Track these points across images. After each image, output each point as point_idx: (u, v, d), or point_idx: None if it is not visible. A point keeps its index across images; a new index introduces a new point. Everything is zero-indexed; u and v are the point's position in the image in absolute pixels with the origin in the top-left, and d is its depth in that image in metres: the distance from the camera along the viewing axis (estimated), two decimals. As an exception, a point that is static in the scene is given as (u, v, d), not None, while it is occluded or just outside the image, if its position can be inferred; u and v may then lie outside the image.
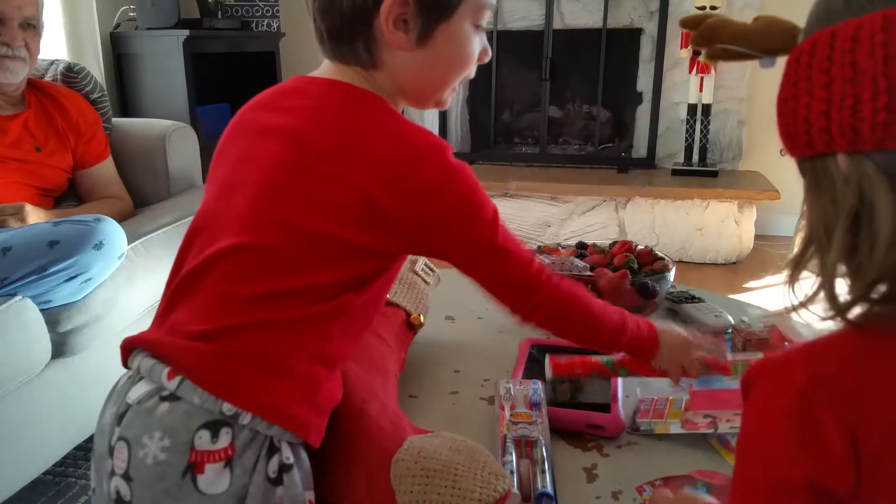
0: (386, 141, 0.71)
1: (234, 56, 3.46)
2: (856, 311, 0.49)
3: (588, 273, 1.16)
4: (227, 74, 3.46)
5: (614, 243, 1.29)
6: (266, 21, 3.64)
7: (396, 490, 0.69)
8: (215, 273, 0.69)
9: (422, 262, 1.14)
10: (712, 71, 3.18)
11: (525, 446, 0.81)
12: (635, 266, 1.20)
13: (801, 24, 0.57)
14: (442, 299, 1.30)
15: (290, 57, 3.81)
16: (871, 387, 0.46)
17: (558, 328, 0.81)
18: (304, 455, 0.69)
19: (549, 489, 0.75)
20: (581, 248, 1.30)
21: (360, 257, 0.70)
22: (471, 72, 0.80)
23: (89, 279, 1.42)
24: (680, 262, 3.06)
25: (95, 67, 2.80)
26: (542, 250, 1.28)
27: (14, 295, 1.35)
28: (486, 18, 0.78)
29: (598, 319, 0.81)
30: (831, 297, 0.49)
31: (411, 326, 1.06)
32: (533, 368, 1.01)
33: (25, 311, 1.35)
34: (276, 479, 0.65)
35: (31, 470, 1.43)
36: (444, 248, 0.74)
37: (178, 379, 0.64)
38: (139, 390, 0.66)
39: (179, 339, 0.66)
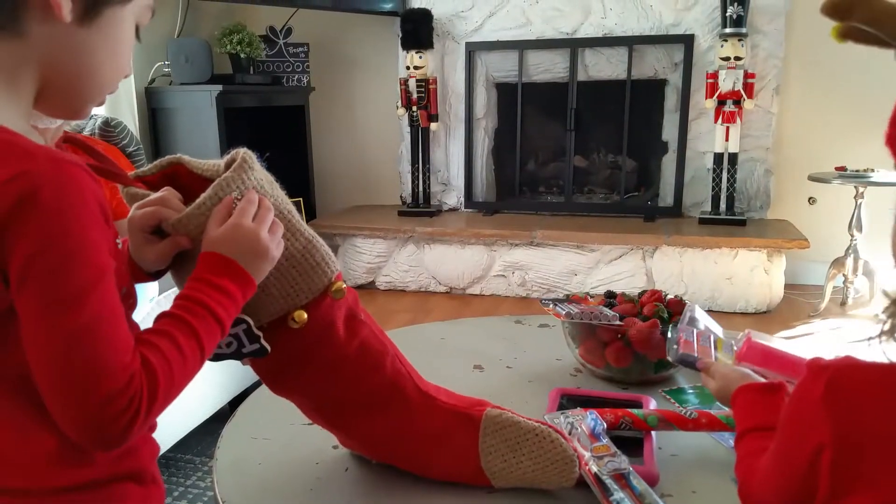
0: None
1: (265, 110, 3.55)
2: None
3: (618, 322, 1.15)
4: (259, 128, 3.55)
5: (644, 292, 1.28)
6: (296, 76, 3.75)
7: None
8: None
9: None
10: (738, 120, 3.19)
11: (619, 480, 0.80)
12: (665, 316, 1.19)
13: None
14: (470, 348, 1.30)
15: (319, 110, 3.91)
16: (873, 418, 0.49)
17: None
18: None
19: None
20: (610, 298, 1.29)
21: None
22: (116, 85, 0.67)
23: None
24: (709, 311, 3.02)
25: (131, 121, 2.90)
26: (570, 299, 1.27)
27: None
28: (145, 23, 0.67)
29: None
30: None
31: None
32: (563, 419, 0.99)
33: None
34: None
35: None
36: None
37: None
38: None
39: None
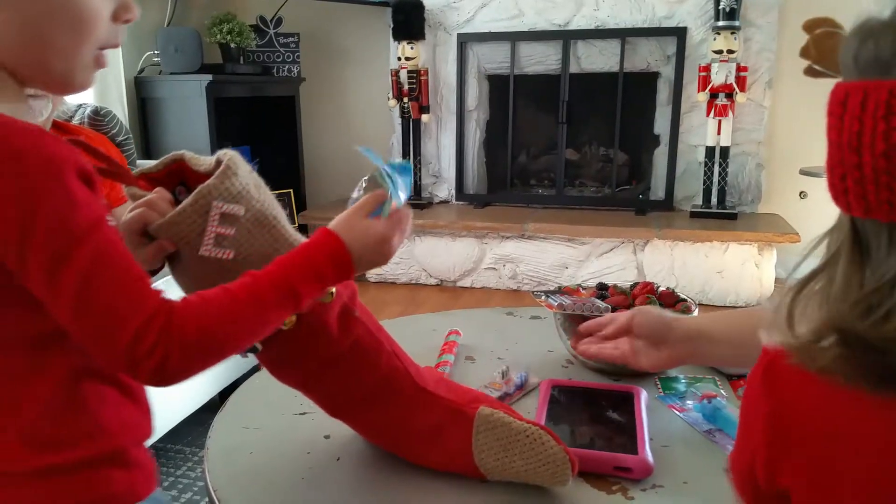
0: None
1: (256, 100, 3.53)
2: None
3: (610, 314, 1.15)
4: (249, 118, 3.53)
5: (635, 284, 1.28)
6: (287, 67, 3.72)
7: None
8: None
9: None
10: (730, 114, 3.19)
11: None
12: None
13: None
14: (461, 340, 1.29)
15: (310, 101, 3.89)
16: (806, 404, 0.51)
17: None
18: None
19: None
20: (602, 289, 1.29)
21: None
22: (105, 36, 0.62)
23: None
24: (700, 304, 3.04)
25: (120, 111, 2.87)
26: (562, 291, 1.27)
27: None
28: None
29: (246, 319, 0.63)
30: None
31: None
32: (555, 410, 0.99)
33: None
34: None
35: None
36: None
37: None
38: None
39: None
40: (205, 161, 0.74)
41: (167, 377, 0.58)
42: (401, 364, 0.85)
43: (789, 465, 0.51)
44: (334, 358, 0.79)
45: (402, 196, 0.75)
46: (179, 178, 0.75)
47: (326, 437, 0.95)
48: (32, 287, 0.55)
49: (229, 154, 0.71)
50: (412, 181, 0.79)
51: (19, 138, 0.54)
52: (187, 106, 3.05)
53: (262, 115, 3.62)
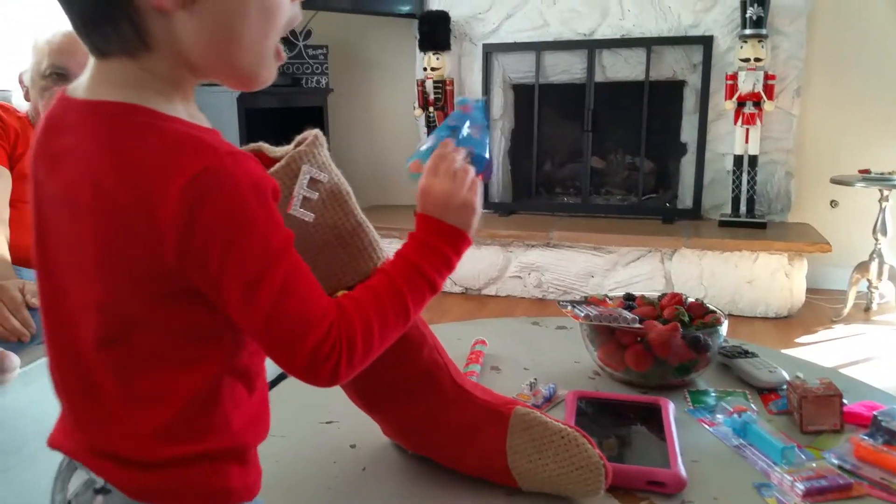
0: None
1: (285, 111, 3.57)
2: None
3: (637, 325, 1.14)
4: (279, 128, 3.56)
5: (663, 295, 1.27)
6: (315, 78, 3.76)
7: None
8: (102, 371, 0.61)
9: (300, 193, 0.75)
10: (758, 122, 3.15)
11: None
12: (686, 319, 1.17)
13: None
14: (487, 349, 1.29)
15: (338, 111, 3.93)
16: None
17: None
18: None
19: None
20: (629, 300, 1.28)
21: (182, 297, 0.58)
22: (287, 19, 0.63)
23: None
24: (729, 315, 3.00)
25: (152, 122, 2.92)
26: (588, 301, 1.26)
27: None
28: None
29: (395, 316, 0.66)
30: None
31: None
32: (582, 422, 0.98)
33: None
34: None
35: None
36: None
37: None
38: (76, 481, 0.63)
39: (90, 457, 0.62)
40: (282, 148, 0.79)
41: (339, 378, 0.61)
42: (441, 360, 0.86)
43: None
44: None
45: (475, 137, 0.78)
46: None
47: (352, 446, 0.95)
48: (220, 300, 0.58)
49: (316, 130, 0.77)
50: (481, 122, 0.81)
51: (229, 161, 0.56)
52: (219, 117, 3.09)
53: (292, 126, 3.64)
